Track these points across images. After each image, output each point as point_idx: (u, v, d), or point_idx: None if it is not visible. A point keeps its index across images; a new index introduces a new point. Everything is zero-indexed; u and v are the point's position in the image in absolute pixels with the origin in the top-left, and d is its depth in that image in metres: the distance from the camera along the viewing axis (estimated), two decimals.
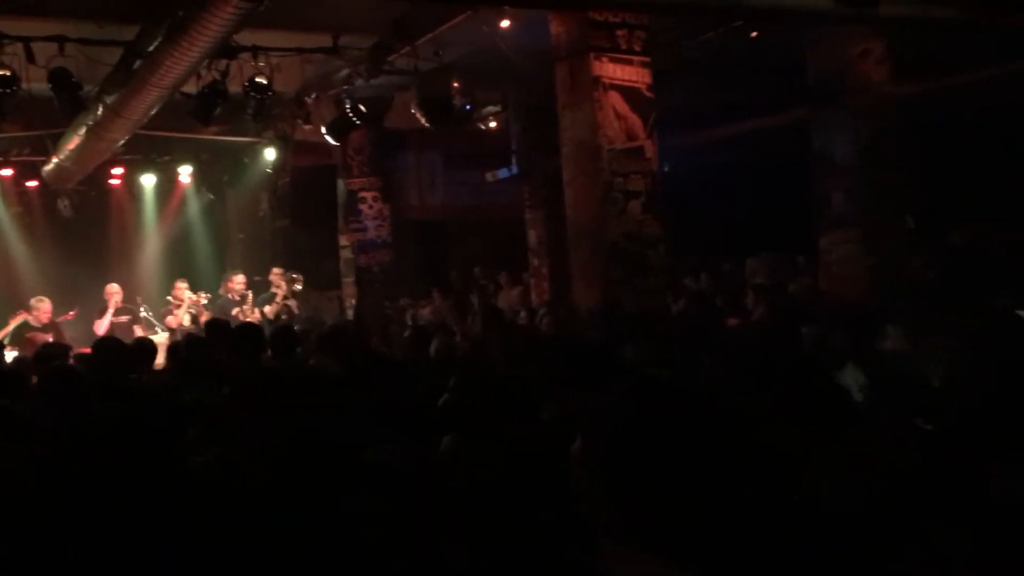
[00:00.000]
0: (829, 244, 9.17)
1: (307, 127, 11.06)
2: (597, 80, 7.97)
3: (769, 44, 9.60)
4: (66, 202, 12.53)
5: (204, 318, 10.65)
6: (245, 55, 8.13)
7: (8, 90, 7.45)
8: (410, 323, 10.23)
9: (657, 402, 1.81)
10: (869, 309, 6.92)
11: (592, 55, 7.94)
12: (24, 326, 9.66)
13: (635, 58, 8.14)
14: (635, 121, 8.18)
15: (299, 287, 11.10)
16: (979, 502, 1.95)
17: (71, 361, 6.44)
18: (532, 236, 12.46)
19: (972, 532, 1.89)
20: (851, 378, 4.96)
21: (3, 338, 9.27)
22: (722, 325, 8.19)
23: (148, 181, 13.28)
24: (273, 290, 11.05)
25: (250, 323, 8.79)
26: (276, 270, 11.42)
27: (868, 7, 7.70)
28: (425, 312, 10.98)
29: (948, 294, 7.69)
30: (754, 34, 9.43)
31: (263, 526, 2.26)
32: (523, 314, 9.40)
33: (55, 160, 11.13)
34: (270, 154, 12.17)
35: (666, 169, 10.25)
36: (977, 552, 1.86)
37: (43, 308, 9.89)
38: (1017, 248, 9.02)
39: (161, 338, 9.86)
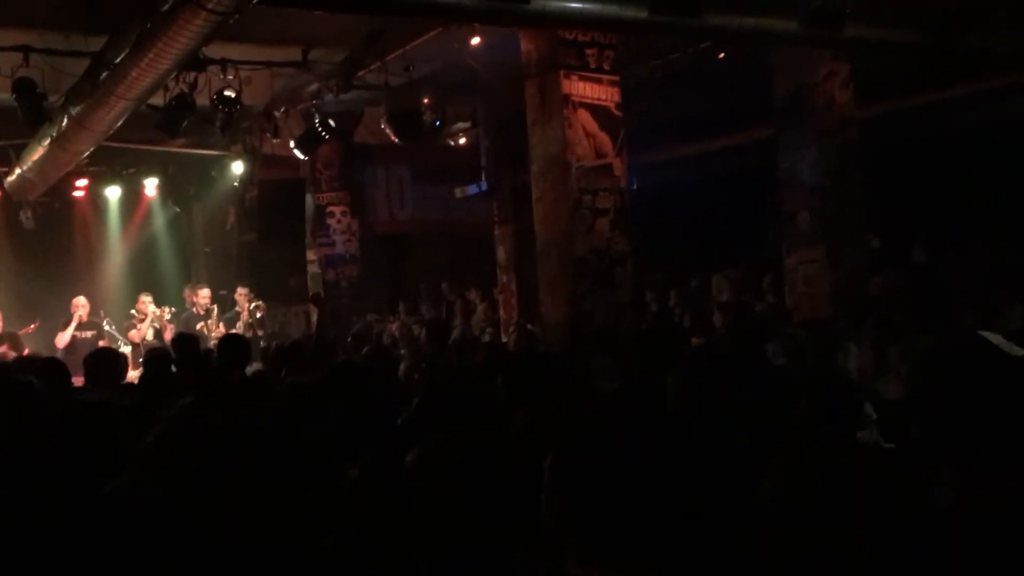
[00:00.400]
0: (795, 262, 9.29)
1: (275, 141, 11.01)
2: (566, 98, 8.03)
3: (737, 64, 9.74)
4: (29, 214, 12.34)
5: (168, 332, 10.54)
6: (214, 68, 8.09)
7: None
8: (379, 339, 10.18)
9: (613, 418, 1.83)
10: (833, 326, 7.02)
11: (562, 73, 8.00)
12: None
13: (604, 76, 8.21)
14: (604, 139, 8.25)
15: (260, 315, 10.97)
16: (920, 510, 2.00)
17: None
18: (501, 252, 12.47)
19: (908, 538, 1.93)
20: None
21: None
22: (688, 342, 8.26)
23: (113, 193, 13.13)
24: (237, 310, 10.96)
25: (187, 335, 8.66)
26: (241, 290, 11.30)
27: (833, 30, 7.84)
28: (393, 328, 10.95)
29: (911, 312, 7.82)
30: (721, 55, 9.56)
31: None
32: (490, 329, 9.41)
33: (18, 171, 10.98)
34: (238, 168, 12.10)
35: (634, 186, 10.32)
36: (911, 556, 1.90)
37: None
38: (978, 266, 9.19)
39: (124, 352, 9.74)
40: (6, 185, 11.76)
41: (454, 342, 9.06)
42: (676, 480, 1.77)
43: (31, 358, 6.58)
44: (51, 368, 5.35)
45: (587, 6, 7.26)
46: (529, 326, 8.65)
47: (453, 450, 2.91)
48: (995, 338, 2.18)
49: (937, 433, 2.12)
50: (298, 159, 11.57)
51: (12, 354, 8.55)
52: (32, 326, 10.48)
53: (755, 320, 9.09)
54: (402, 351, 8.47)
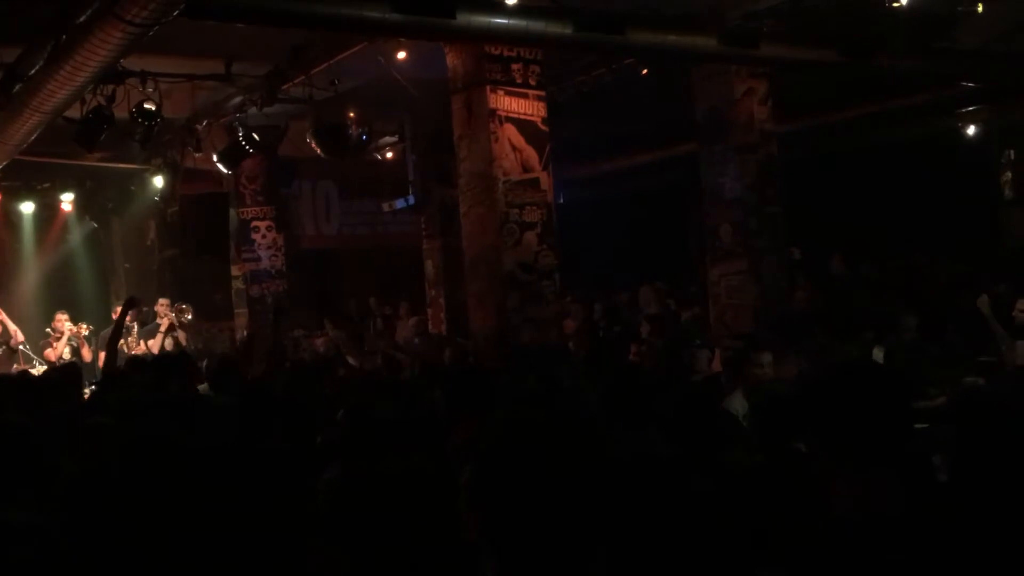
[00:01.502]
0: (718, 275, 9.48)
1: (198, 155, 10.82)
2: (493, 112, 8.08)
3: (661, 80, 9.93)
4: None
5: (85, 350, 10.24)
6: (133, 80, 7.93)
7: None
8: (303, 355, 10.07)
9: (529, 433, 1.84)
10: (752, 337, 7.18)
11: (488, 88, 8.05)
12: None
13: (530, 92, 8.29)
14: (530, 153, 8.32)
15: (188, 317, 10.75)
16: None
17: None
18: (429, 266, 12.45)
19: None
20: (738, 404, 5.15)
21: None
22: (619, 353, 8.38)
23: (27, 208, 12.74)
24: (157, 321, 10.70)
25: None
26: (162, 301, 11.05)
27: (748, 48, 8.06)
28: (319, 343, 10.82)
29: (824, 322, 8.06)
30: (644, 71, 9.73)
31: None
32: (418, 342, 9.39)
33: None
34: (159, 182, 11.86)
35: (561, 200, 10.43)
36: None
37: None
38: (894, 276, 9.52)
39: (38, 371, 9.43)
40: None
41: (384, 357, 9.03)
42: (595, 495, 1.79)
43: None
44: None
45: (512, 22, 7.33)
46: (460, 340, 8.67)
47: (376, 469, 2.90)
48: (877, 353, 2.31)
49: (821, 444, 2.22)
50: (221, 173, 11.39)
51: None
52: None
53: (681, 332, 9.28)
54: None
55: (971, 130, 11.82)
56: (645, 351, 8.34)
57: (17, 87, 7.27)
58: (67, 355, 10.18)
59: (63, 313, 10.70)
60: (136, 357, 7.57)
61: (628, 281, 12.04)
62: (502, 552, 1.74)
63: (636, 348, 8.59)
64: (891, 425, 2.12)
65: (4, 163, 9.28)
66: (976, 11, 8.26)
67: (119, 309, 10.63)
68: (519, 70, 8.20)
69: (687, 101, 9.68)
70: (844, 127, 11.97)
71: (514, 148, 8.23)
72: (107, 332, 10.51)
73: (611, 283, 12.40)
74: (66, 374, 6.41)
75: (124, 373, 6.33)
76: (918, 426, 4.01)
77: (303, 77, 8.75)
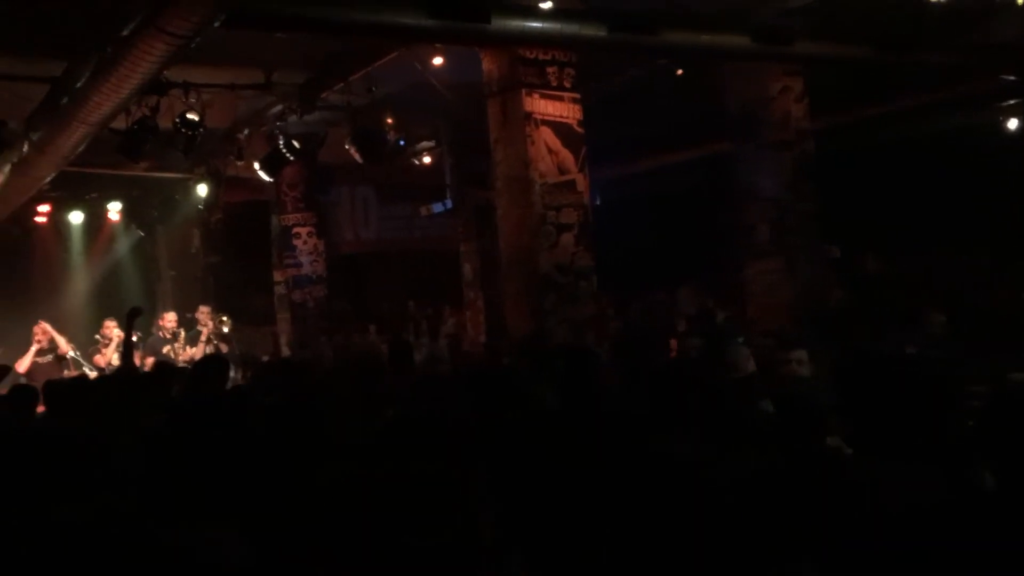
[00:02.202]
0: (754, 274, 9.45)
1: (239, 163, 11.01)
2: (529, 116, 8.14)
3: (694, 80, 9.93)
4: None
5: (135, 356, 10.46)
6: (176, 91, 8.11)
7: None
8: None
9: (553, 433, 1.88)
10: (789, 335, 7.16)
11: (523, 91, 8.11)
12: None
13: (565, 94, 8.34)
14: (566, 155, 8.37)
15: (226, 330, 10.95)
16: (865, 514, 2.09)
17: None
18: (467, 269, 12.55)
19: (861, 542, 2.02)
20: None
21: None
22: (658, 354, 8.37)
23: (76, 218, 13.07)
24: (199, 328, 10.91)
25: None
26: (203, 308, 11.27)
27: (783, 45, 8.04)
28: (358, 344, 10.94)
29: (864, 320, 7.99)
30: (679, 71, 9.74)
31: None
32: (444, 339, 9.46)
33: None
34: (202, 190, 12.07)
35: (597, 202, 10.46)
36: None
37: None
38: (930, 274, 9.41)
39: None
40: None
41: (421, 361, 9.11)
42: (624, 490, 1.82)
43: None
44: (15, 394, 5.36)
45: (547, 25, 7.40)
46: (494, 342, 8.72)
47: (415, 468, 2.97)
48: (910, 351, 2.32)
49: (860, 437, 2.22)
50: (262, 181, 11.58)
51: None
52: None
53: (719, 331, 9.25)
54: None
55: (1012, 124, 11.64)
56: (683, 350, 8.33)
57: (64, 100, 7.45)
58: (116, 361, 10.39)
59: (111, 320, 10.95)
60: (162, 364, 7.78)
61: (665, 281, 12.01)
62: (529, 550, 1.77)
63: (675, 347, 8.59)
64: (930, 418, 2.12)
65: (53, 174, 9.50)
66: (1016, 2, 8.16)
67: (165, 316, 10.91)
68: (554, 73, 8.26)
69: (722, 100, 9.67)
70: (879, 122, 11.85)
71: (550, 150, 8.28)
72: (153, 338, 10.78)
73: (648, 283, 12.38)
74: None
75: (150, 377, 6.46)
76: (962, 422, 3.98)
77: (341, 84, 8.88)
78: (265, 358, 10.52)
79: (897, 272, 9.87)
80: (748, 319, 9.42)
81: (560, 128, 8.34)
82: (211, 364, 5.81)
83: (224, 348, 10.66)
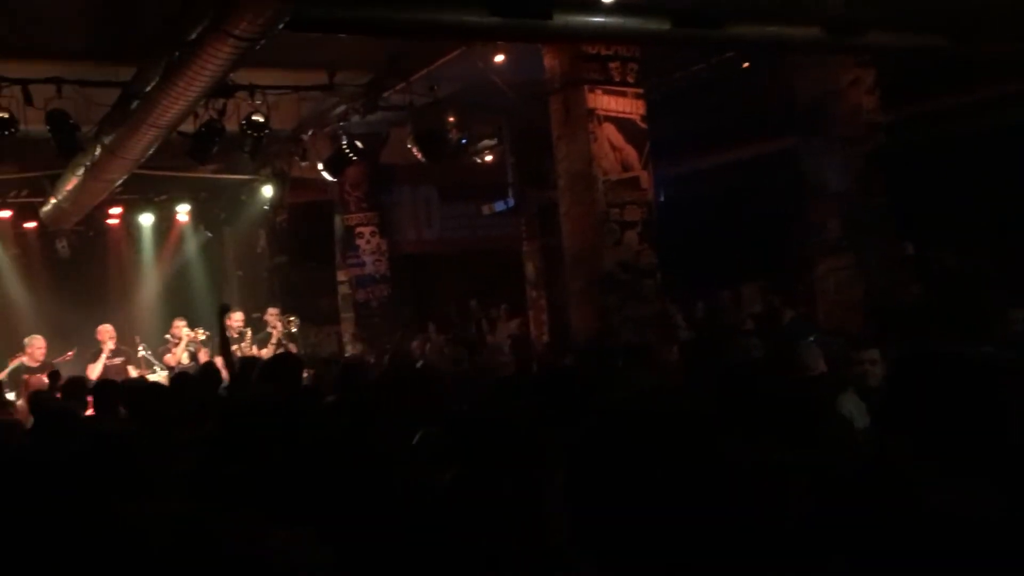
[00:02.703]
0: (825, 271, 9.23)
1: (304, 164, 11.13)
2: (591, 112, 8.06)
3: (761, 73, 9.73)
4: (64, 243, 12.56)
5: (203, 355, 10.65)
6: (242, 93, 8.21)
7: (6, 132, 7.51)
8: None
9: (628, 434, 1.81)
10: (861, 334, 6.95)
11: (586, 87, 8.04)
12: (21, 368, 9.63)
13: (629, 90, 8.24)
14: (630, 152, 8.27)
15: (294, 329, 11.10)
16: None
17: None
18: (529, 268, 12.50)
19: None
20: (851, 404, 4.98)
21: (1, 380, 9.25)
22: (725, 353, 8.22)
23: (146, 220, 13.33)
24: (269, 330, 11.06)
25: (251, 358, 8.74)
26: (272, 310, 11.44)
27: (855, 36, 7.82)
28: (416, 346, 10.96)
29: (939, 318, 7.74)
30: (745, 64, 9.55)
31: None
32: (508, 343, 9.43)
33: (53, 201, 11.18)
34: (267, 191, 12.24)
35: (661, 198, 10.32)
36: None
37: (36, 345, 9.86)
38: (1008, 269, 9.07)
39: (160, 376, 9.86)
40: (42, 215, 11.98)
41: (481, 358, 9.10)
42: (697, 495, 1.75)
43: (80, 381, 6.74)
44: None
45: (609, 20, 7.30)
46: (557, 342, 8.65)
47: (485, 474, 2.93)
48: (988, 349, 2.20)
49: (915, 441, 2.13)
50: (326, 181, 11.69)
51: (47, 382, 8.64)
52: (69, 354, 10.61)
53: (789, 330, 9.04)
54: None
55: None
56: (744, 349, 8.16)
57: (135, 104, 7.60)
58: (185, 360, 10.60)
59: (181, 320, 11.17)
60: (248, 358, 7.86)
61: (730, 279, 11.81)
62: (604, 553, 1.71)
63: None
64: (986, 424, 2.01)
65: (124, 177, 9.69)
66: None
67: (232, 316, 11.08)
68: (617, 68, 8.16)
69: (788, 94, 9.46)
70: (954, 114, 11.46)
71: (613, 147, 8.19)
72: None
73: (713, 282, 12.19)
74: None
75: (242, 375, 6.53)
76: None
77: (403, 84, 8.91)
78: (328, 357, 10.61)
79: (975, 268, 9.54)
80: (819, 318, 9.20)
81: (623, 124, 8.24)
82: (285, 363, 5.84)
83: (292, 349, 10.79)
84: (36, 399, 6.30)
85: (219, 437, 3.32)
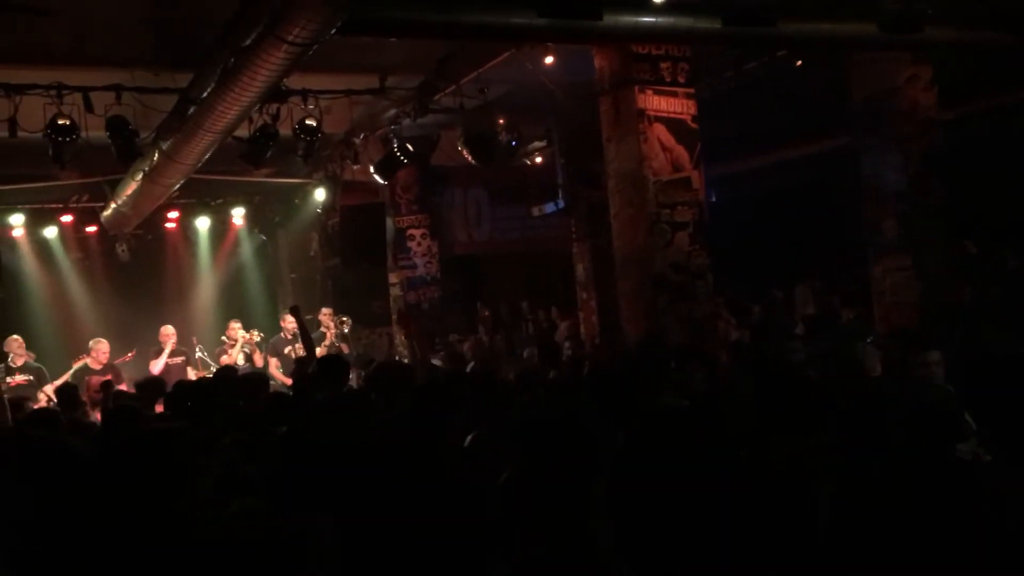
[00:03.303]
0: (882, 272, 9.06)
1: (355, 167, 11.24)
2: (641, 112, 8.02)
3: (814, 71, 9.59)
4: (124, 246, 12.85)
5: (257, 356, 10.80)
6: (295, 98, 8.32)
7: (68, 139, 7.69)
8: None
9: (670, 438, 1.79)
10: (920, 336, 6.80)
11: (636, 88, 8.00)
12: (84, 369, 9.88)
13: (679, 89, 8.18)
14: (681, 152, 8.21)
15: (347, 329, 11.23)
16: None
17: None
18: (580, 269, 12.47)
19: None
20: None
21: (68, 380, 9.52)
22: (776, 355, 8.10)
23: (202, 224, 13.57)
24: (322, 330, 11.20)
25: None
26: (325, 310, 11.58)
27: (912, 33, 7.67)
28: (465, 346, 11.00)
29: (1001, 320, 7.54)
30: (799, 62, 9.42)
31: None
32: (568, 346, 9.39)
33: (113, 206, 11.43)
34: (320, 194, 12.39)
35: (713, 199, 10.23)
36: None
37: (100, 349, 10.11)
38: None
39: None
40: (103, 220, 12.27)
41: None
42: (742, 502, 1.72)
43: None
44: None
45: (659, 20, 7.26)
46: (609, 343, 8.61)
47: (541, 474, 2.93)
48: None
49: (996, 443, 2.08)
50: (378, 184, 11.78)
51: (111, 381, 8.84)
52: (129, 355, 10.85)
53: (845, 331, 8.88)
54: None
55: None
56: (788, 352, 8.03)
57: (191, 110, 7.74)
58: (241, 361, 10.78)
59: (236, 321, 11.36)
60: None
61: (784, 280, 11.65)
62: (637, 560, 1.70)
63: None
64: None
65: (181, 182, 9.88)
66: None
67: (287, 317, 11.23)
68: (668, 68, 8.11)
69: (843, 91, 9.31)
70: (1014, 111, 11.17)
71: (664, 147, 8.14)
72: (276, 339, 11.10)
73: (766, 283, 12.04)
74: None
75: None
76: None
77: (453, 87, 8.95)
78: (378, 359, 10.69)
79: None
80: (876, 319, 9.03)
81: (674, 124, 8.19)
82: (333, 365, 5.91)
83: (345, 349, 10.91)
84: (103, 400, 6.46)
85: (290, 437, 3.39)
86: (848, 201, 10.09)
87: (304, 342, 7.75)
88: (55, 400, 8.25)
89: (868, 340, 6.85)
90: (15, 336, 9.87)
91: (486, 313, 13.26)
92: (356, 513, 2.20)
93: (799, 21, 7.64)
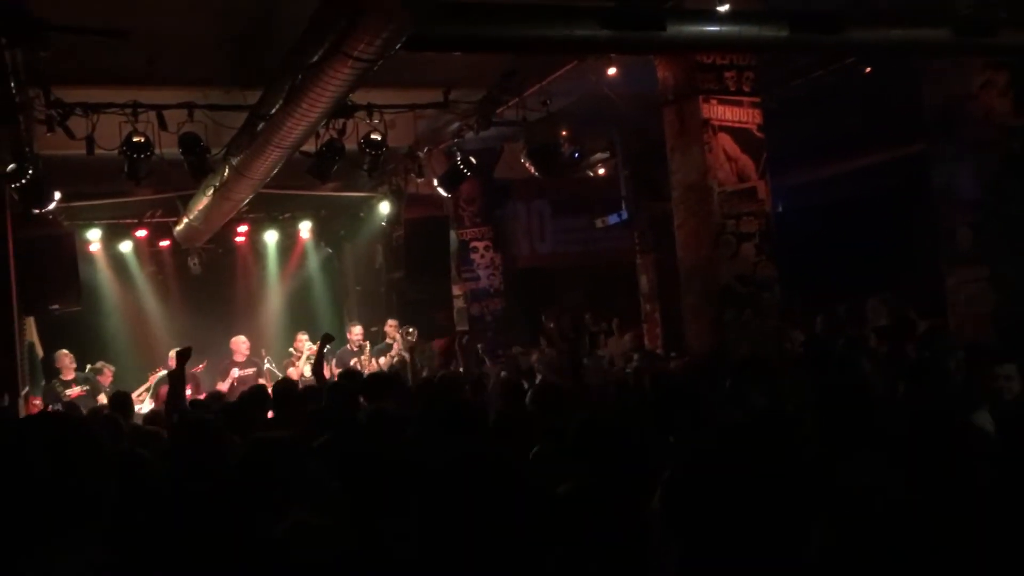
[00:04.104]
0: (956, 283, 8.81)
1: (420, 180, 11.34)
2: (706, 122, 7.94)
3: (882, 78, 9.39)
4: (196, 260, 13.15)
5: (324, 369, 10.92)
6: (360, 113, 8.43)
7: (143, 155, 7.90)
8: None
9: (730, 456, 1.75)
10: (995, 348, 6.57)
11: (700, 98, 7.93)
12: (162, 380, 10.15)
13: (745, 99, 8.09)
14: (746, 162, 8.11)
15: (413, 339, 11.31)
16: None
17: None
18: (643, 281, 12.39)
19: None
20: (986, 422, 4.72)
21: (148, 389, 9.79)
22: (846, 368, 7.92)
23: (271, 237, 13.83)
24: (388, 341, 11.30)
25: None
26: (391, 322, 11.69)
27: (986, 37, 7.47)
28: (533, 359, 10.97)
29: None
30: (868, 69, 9.24)
31: None
32: (636, 357, 9.31)
33: (185, 220, 11.72)
34: (384, 208, 12.52)
35: (780, 209, 10.06)
36: None
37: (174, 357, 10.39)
38: None
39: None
40: (175, 234, 12.59)
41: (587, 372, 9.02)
42: (806, 523, 1.68)
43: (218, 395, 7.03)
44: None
45: (724, 28, 7.18)
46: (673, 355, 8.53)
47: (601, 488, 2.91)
48: None
49: None
50: (441, 197, 11.87)
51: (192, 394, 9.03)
52: (200, 366, 11.08)
53: (932, 343, 8.61)
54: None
55: None
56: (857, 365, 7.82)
57: (260, 126, 7.90)
58: (307, 373, 10.93)
59: (303, 333, 11.53)
60: (349, 370, 8.12)
61: (852, 292, 11.40)
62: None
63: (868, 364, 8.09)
64: None
65: (250, 196, 10.08)
66: None
67: (352, 329, 11.37)
68: (732, 77, 8.02)
69: (915, 98, 9.10)
70: None
71: (729, 158, 8.05)
72: (342, 351, 11.25)
73: (835, 294, 11.79)
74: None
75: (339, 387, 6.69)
76: None
77: (516, 99, 8.97)
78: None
79: None
80: (952, 331, 8.77)
81: (739, 134, 8.09)
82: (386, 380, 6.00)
83: (409, 360, 10.99)
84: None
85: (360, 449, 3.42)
86: (919, 210, 9.84)
87: (315, 370, 7.85)
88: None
89: (960, 353, 6.54)
90: (65, 351, 10.13)
91: (551, 325, 13.23)
92: (431, 525, 2.21)
93: (868, 27, 7.49)
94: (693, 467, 1.81)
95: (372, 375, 8.05)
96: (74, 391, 9.75)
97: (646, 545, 2.52)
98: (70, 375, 9.98)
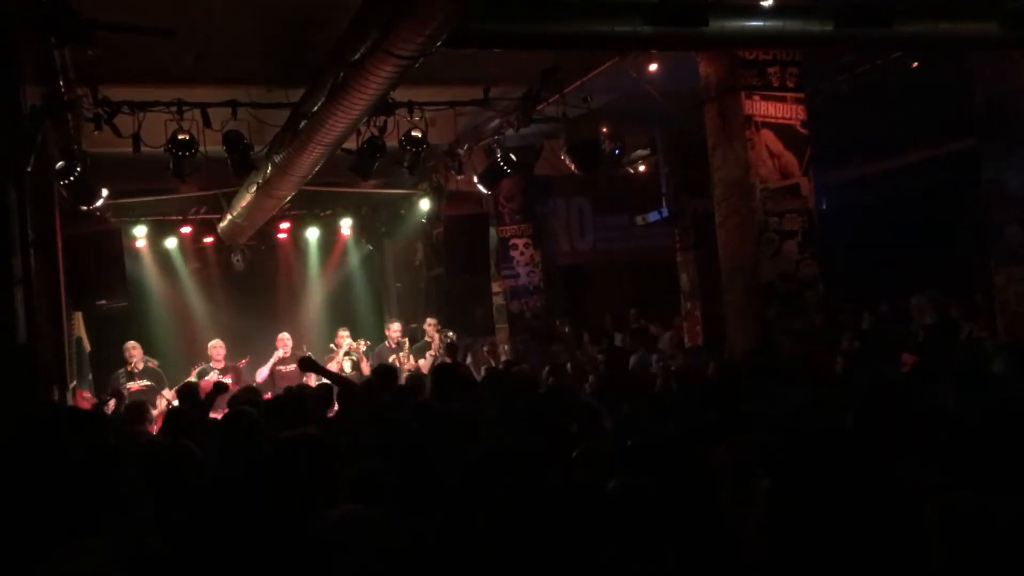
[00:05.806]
0: (1005, 280, 8.64)
1: (460, 177, 11.35)
2: (748, 119, 7.86)
3: (928, 73, 9.23)
4: (239, 256, 13.31)
5: (364, 364, 11.01)
6: (401, 110, 8.46)
7: (187, 153, 8.00)
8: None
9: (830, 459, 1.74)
10: None
11: (743, 94, 7.85)
12: (205, 372, 10.29)
13: (788, 95, 7.99)
14: (789, 159, 8.02)
15: (450, 341, 11.35)
16: None
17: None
18: (684, 279, 12.30)
19: None
20: None
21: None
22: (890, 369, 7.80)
23: (312, 234, 13.95)
24: (427, 339, 11.34)
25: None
26: (430, 320, 11.72)
27: None
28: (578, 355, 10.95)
29: None
30: (914, 64, 9.08)
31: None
32: (680, 357, 9.26)
33: (229, 217, 11.85)
34: (425, 205, 12.56)
35: (823, 206, 9.93)
36: None
37: (215, 347, 10.57)
38: None
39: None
40: (219, 231, 12.75)
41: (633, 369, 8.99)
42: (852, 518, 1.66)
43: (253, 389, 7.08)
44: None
45: (768, 23, 7.10)
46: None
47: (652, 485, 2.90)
48: None
49: None
50: (481, 194, 11.88)
51: (235, 386, 9.13)
52: (243, 361, 11.21)
53: (968, 344, 8.47)
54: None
55: None
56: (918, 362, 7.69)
57: (303, 124, 7.96)
58: (348, 369, 11.00)
59: (344, 330, 11.61)
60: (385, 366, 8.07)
61: (897, 289, 11.23)
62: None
63: (911, 360, 7.96)
64: None
65: (293, 193, 10.16)
66: None
67: (391, 326, 11.40)
68: (776, 73, 7.93)
69: (963, 93, 8.93)
70: None
71: (771, 154, 7.96)
72: (381, 347, 11.31)
73: (880, 292, 11.62)
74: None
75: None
76: None
77: (556, 96, 8.95)
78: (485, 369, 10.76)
79: None
80: (1000, 331, 8.61)
81: (782, 130, 8.00)
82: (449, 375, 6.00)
83: (448, 360, 11.01)
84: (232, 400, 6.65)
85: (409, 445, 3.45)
86: (967, 207, 9.66)
87: (329, 378, 7.59)
88: (175, 402, 8.55)
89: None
90: (133, 342, 10.25)
91: (566, 329, 13.14)
92: (482, 518, 2.21)
93: (915, 21, 7.36)
94: (795, 478, 1.81)
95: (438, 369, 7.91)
96: (135, 384, 9.89)
97: (701, 541, 2.50)
98: (138, 367, 10.06)
